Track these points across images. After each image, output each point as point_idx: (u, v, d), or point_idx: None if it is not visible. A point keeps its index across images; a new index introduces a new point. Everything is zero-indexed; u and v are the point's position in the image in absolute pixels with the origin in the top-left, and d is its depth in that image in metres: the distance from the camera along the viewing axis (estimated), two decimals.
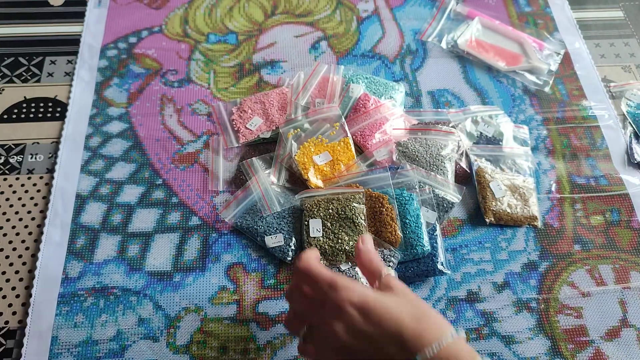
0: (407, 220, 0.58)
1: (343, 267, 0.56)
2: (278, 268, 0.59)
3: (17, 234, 0.60)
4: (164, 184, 0.64)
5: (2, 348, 0.53)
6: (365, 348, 0.41)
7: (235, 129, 0.67)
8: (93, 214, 0.61)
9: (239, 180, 0.64)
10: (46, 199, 0.62)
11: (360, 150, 0.66)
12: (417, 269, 0.57)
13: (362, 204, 0.58)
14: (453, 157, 0.65)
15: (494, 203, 0.61)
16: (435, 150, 0.64)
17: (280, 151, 0.65)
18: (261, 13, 0.81)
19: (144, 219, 0.61)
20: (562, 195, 0.64)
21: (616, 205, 0.64)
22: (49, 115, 0.69)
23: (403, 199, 0.59)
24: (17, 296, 0.56)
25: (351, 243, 0.57)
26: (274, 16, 0.81)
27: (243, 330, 0.55)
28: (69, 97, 0.70)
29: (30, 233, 0.60)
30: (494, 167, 0.65)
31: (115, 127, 0.68)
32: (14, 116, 0.69)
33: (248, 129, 0.67)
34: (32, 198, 0.62)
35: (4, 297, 0.56)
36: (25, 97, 0.71)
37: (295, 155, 0.63)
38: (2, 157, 0.65)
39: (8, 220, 0.61)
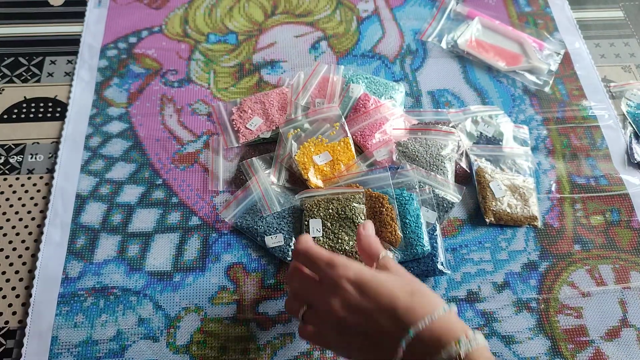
0: (407, 220, 0.58)
1: (347, 247, 0.57)
2: (278, 268, 0.59)
3: (17, 234, 0.60)
4: (164, 184, 0.64)
5: (2, 348, 0.53)
6: (360, 322, 0.43)
7: (235, 129, 0.67)
8: (93, 214, 0.61)
9: (239, 180, 0.64)
10: (46, 199, 0.62)
11: (360, 150, 0.66)
12: (417, 269, 0.57)
13: (362, 203, 0.58)
14: (453, 157, 0.65)
15: (494, 203, 0.61)
16: (435, 150, 0.64)
17: (280, 151, 0.65)
18: (261, 13, 0.81)
19: (144, 219, 0.61)
20: (562, 195, 0.64)
21: (616, 205, 0.64)
22: (49, 115, 0.69)
23: (403, 199, 0.59)
24: (17, 296, 0.56)
25: (351, 243, 0.57)
26: (274, 16, 0.81)
27: (243, 330, 0.55)
28: (69, 97, 0.70)
29: (30, 233, 0.60)
30: (494, 167, 0.65)
31: (115, 127, 0.68)
32: (14, 116, 0.69)
33: (248, 129, 0.67)
34: (32, 198, 0.62)
35: (4, 297, 0.56)
36: (25, 97, 0.71)
37: (295, 155, 0.63)
38: (2, 157, 0.65)
39: (8, 220, 0.61)
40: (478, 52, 0.76)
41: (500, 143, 0.67)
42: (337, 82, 0.70)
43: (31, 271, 0.57)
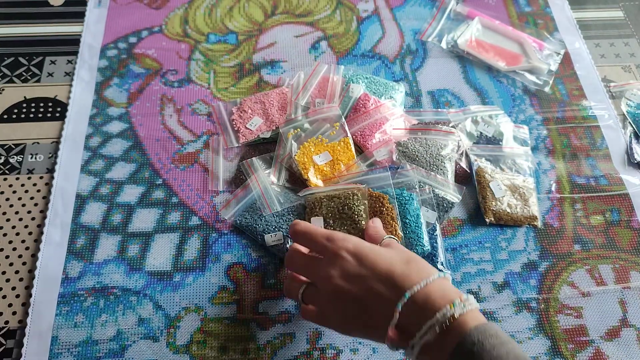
0: (407, 220, 0.58)
1: None
2: (278, 268, 0.58)
3: (17, 234, 0.60)
4: (164, 184, 0.64)
5: (2, 348, 0.53)
6: (358, 289, 0.44)
7: (235, 129, 0.67)
8: (93, 214, 0.61)
9: (238, 180, 0.64)
10: (46, 199, 0.62)
11: (360, 150, 0.66)
12: None
13: (365, 200, 0.58)
14: (453, 157, 0.65)
15: (494, 203, 0.61)
16: (435, 150, 0.64)
17: (280, 151, 0.65)
18: (261, 13, 0.81)
19: (144, 219, 0.61)
20: (562, 195, 0.64)
21: (616, 205, 0.64)
22: (49, 115, 0.69)
23: (403, 198, 0.59)
24: (17, 296, 0.56)
25: None
26: (274, 16, 0.81)
27: (243, 330, 0.55)
28: (69, 97, 0.70)
29: (30, 233, 0.60)
30: (494, 167, 0.65)
31: (115, 127, 0.68)
32: (14, 116, 0.69)
33: (248, 129, 0.67)
34: (32, 198, 0.62)
35: (4, 297, 0.56)
36: (25, 97, 0.71)
37: (295, 155, 0.63)
38: (2, 157, 0.65)
39: (8, 220, 0.61)
40: (478, 52, 0.76)
41: (500, 143, 0.67)
42: (337, 82, 0.70)
43: (31, 271, 0.57)
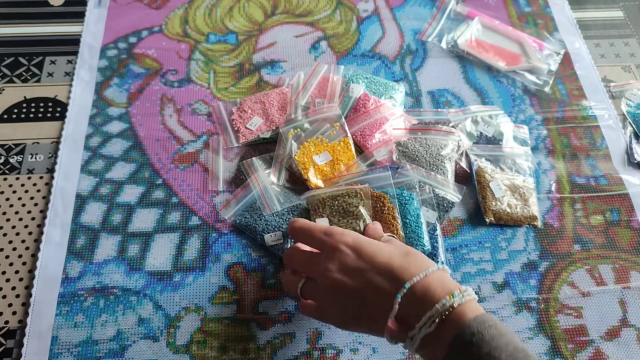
0: (407, 220, 0.58)
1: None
2: (278, 268, 0.58)
3: (17, 234, 0.60)
4: (164, 184, 0.64)
5: (2, 348, 0.53)
6: (357, 282, 0.45)
7: (235, 129, 0.67)
8: (93, 213, 0.61)
9: (238, 180, 0.64)
10: (46, 199, 0.62)
11: (360, 150, 0.66)
12: None
13: (368, 199, 0.58)
14: (453, 157, 0.65)
15: (494, 203, 0.61)
16: (435, 150, 0.64)
17: (280, 151, 0.65)
18: (261, 13, 0.81)
19: (144, 219, 0.61)
20: (562, 195, 0.64)
21: (616, 205, 0.64)
22: (49, 115, 0.69)
23: (403, 198, 0.59)
24: (17, 296, 0.56)
25: None
26: (274, 16, 0.81)
27: (243, 330, 0.55)
28: (69, 97, 0.70)
29: (30, 233, 0.60)
30: (494, 167, 0.65)
31: (115, 127, 0.68)
32: (14, 116, 0.69)
33: (248, 129, 0.67)
34: (32, 198, 0.62)
35: (4, 297, 0.56)
36: (25, 97, 0.71)
37: (295, 155, 0.63)
38: (2, 157, 0.65)
39: (8, 220, 0.61)
40: (478, 52, 0.76)
41: (500, 143, 0.67)
42: (337, 82, 0.70)
43: (31, 271, 0.57)
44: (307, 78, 0.71)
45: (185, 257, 0.59)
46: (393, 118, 0.67)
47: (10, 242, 0.59)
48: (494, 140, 0.67)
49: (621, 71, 0.77)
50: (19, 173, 0.64)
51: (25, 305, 0.55)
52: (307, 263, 0.49)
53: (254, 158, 0.64)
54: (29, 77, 0.73)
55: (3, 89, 0.71)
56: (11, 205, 0.62)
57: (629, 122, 0.71)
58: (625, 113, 0.72)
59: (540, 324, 0.56)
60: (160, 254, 0.59)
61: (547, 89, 0.73)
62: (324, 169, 0.62)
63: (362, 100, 0.68)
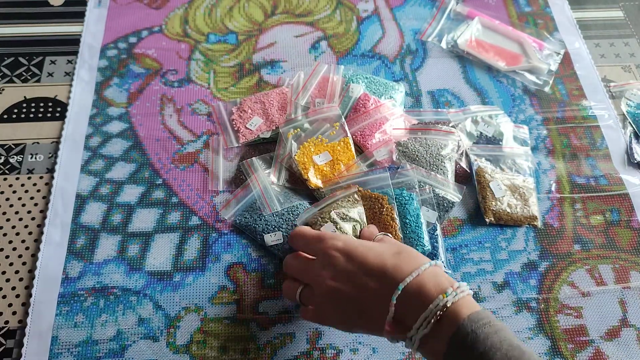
0: (407, 220, 0.58)
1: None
2: (278, 268, 0.58)
3: (17, 234, 0.60)
4: (164, 184, 0.64)
5: (2, 348, 0.53)
6: (351, 288, 0.45)
7: (235, 128, 0.67)
8: (93, 214, 0.61)
9: (238, 180, 0.64)
10: (46, 199, 0.62)
11: (360, 150, 0.66)
12: None
13: (359, 203, 0.58)
14: (453, 156, 0.65)
15: (494, 203, 0.61)
16: (435, 150, 0.64)
17: (280, 151, 0.65)
18: (261, 13, 0.81)
19: (144, 219, 0.61)
20: (562, 195, 0.64)
21: (616, 205, 0.64)
22: (49, 115, 0.69)
23: (403, 199, 0.59)
24: (17, 296, 0.56)
25: None
26: (274, 16, 0.81)
27: (243, 330, 0.55)
28: (69, 97, 0.70)
29: (30, 233, 0.60)
30: (494, 167, 0.65)
31: (115, 127, 0.68)
32: (14, 116, 0.69)
33: (248, 128, 0.67)
34: (32, 198, 0.62)
35: (4, 297, 0.56)
36: (25, 97, 0.71)
37: (295, 155, 0.63)
38: (2, 157, 0.65)
39: (8, 220, 0.61)
40: (478, 52, 0.76)
41: (500, 143, 0.67)
42: (337, 82, 0.70)
43: (31, 271, 0.57)
44: (307, 78, 0.71)
45: (185, 257, 0.59)
46: (393, 118, 0.67)
47: (10, 242, 0.59)
48: (494, 140, 0.67)
49: (621, 71, 0.77)
50: (19, 173, 0.64)
51: (25, 305, 0.55)
52: (302, 270, 0.50)
53: (254, 158, 0.64)
54: (29, 77, 0.73)
55: (3, 89, 0.71)
56: (11, 205, 0.62)
57: (629, 122, 0.71)
58: (625, 113, 0.72)
59: (540, 324, 0.56)
60: (160, 254, 0.59)
61: (547, 89, 0.73)
62: (324, 169, 0.62)
63: (362, 100, 0.68)
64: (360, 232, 0.55)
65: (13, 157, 0.65)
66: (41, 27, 0.78)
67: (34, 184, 0.63)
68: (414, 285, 0.42)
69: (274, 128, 0.67)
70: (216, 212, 0.62)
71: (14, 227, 0.60)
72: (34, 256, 0.58)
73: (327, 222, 0.57)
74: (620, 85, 0.75)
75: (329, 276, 0.45)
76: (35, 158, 0.65)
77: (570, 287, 0.58)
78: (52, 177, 0.63)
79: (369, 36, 0.79)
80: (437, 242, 0.58)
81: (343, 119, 0.66)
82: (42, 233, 0.59)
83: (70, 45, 0.76)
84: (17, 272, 0.57)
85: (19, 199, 0.62)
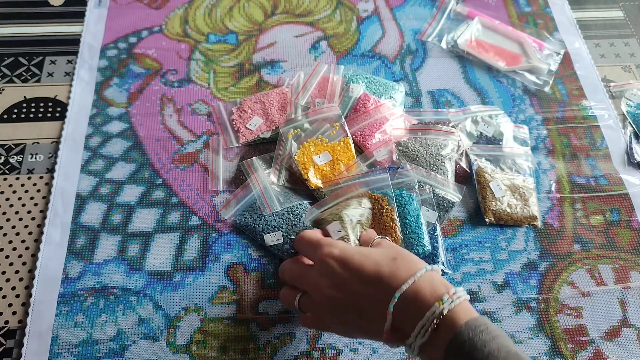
0: (407, 221, 0.58)
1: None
2: (278, 268, 0.58)
3: (17, 234, 0.60)
4: (164, 184, 0.64)
5: (2, 348, 0.53)
6: (347, 297, 0.44)
7: (235, 128, 0.67)
8: (93, 214, 0.61)
9: (238, 180, 0.64)
10: (46, 199, 0.62)
11: (360, 150, 0.66)
12: None
13: (366, 206, 0.58)
14: (453, 156, 0.65)
15: (494, 203, 0.61)
16: (435, 150, 0.64)
17: (280, 151, 0.65)
18: (261, 13, 0.81)
19: (144, 219, 0.61)
20: (562, 195, 0.64)
21: (616, 205, 0.64)
22: (49, 115, 0.69)
23: (403, 199, 0.59)
24: (17, 296, 0.56)
25: None
26: (274, 16, 0.81)
27: (243, 330, 0.55)
28: (69, 97, 0.70)
29: (30, 233, 0.60)
30: (494, 167, 0.65)
31: (115, 127, 0.68)
32: (14, 116, 0.69)
33: (248, 128, 0.67)
34: (32, 198, 0.62)
35: (4, 297, 0.56)
36: (25, 97, 0.71)
37: (295, 155, 0.63)
38: (2, 157, 0.65)
39: (8, 220, 0.61)
40: (478, 52, 0.76)
41: (500, 143, 0.67)
42: (337, 82, 0.70)
43: (31, 271, 0.57)
44: (307, 78, 0.71)
45: (185, 257, 0.59)
46: (393, 118, 0.67)
47: (10, 242, 0.59)
48: (494, 140, 0.67)
49: (621, 71, 0.77)
50: (19, 173, 0.64)
51: (25, 305, 0.55)
52: (298, 277, 0.50)
53: (254, 158, 0.64)
54: (29, 77, 0.73)
55: (3, 89, 0.71)
56: (11, 205, 0.62)
57: (629, 122, 0.71)
58: (625, 113, 0.72)
59: (540, 324, 0.56)
60: (160, 254, 0.59)
61: (547, 89, 0.73)
62: (324, 169, 0.62)
63: (362, 100, 0.68)
64: (359, 237, 0.55)
65: (13, 157, 0.65)
66: (41, 27, 0.78)
67: (34, 184, 0.63)
68: (411, 292, 0.42)
69: (274, 128, 0.67)
70: (216, 212, 0.62)
71: (14, 227, 0.60)
72: (34, 256, 0.58)
73: (334, 220, 0.57)
74: (620, 85, 0.75)
75: (327, 284, 0.45)
76: (35, 158, 0.65)
77: (570, 287, 0.58)
78: (52, 177, 0.63)
79: (369, 36, 0.79)
80: (437, 242, 0.58)
81: (343, 119, 0.66)
82: (42, 233, 0.59)
83: (70, 45, 0.76)
84: (17, 272, 0.57)
85: (19, 199, 0.62)
